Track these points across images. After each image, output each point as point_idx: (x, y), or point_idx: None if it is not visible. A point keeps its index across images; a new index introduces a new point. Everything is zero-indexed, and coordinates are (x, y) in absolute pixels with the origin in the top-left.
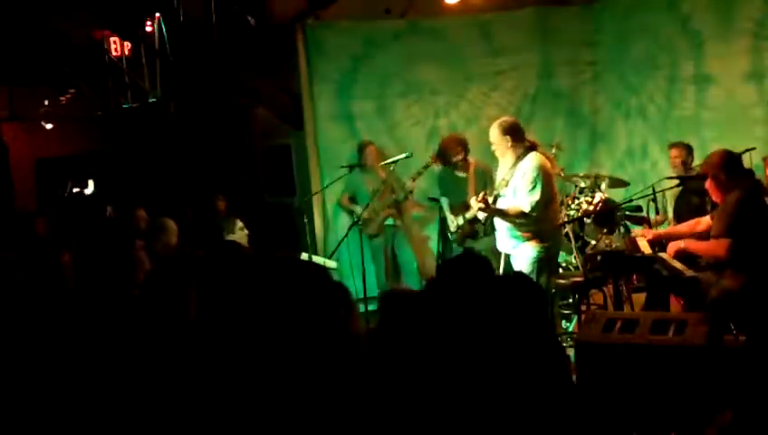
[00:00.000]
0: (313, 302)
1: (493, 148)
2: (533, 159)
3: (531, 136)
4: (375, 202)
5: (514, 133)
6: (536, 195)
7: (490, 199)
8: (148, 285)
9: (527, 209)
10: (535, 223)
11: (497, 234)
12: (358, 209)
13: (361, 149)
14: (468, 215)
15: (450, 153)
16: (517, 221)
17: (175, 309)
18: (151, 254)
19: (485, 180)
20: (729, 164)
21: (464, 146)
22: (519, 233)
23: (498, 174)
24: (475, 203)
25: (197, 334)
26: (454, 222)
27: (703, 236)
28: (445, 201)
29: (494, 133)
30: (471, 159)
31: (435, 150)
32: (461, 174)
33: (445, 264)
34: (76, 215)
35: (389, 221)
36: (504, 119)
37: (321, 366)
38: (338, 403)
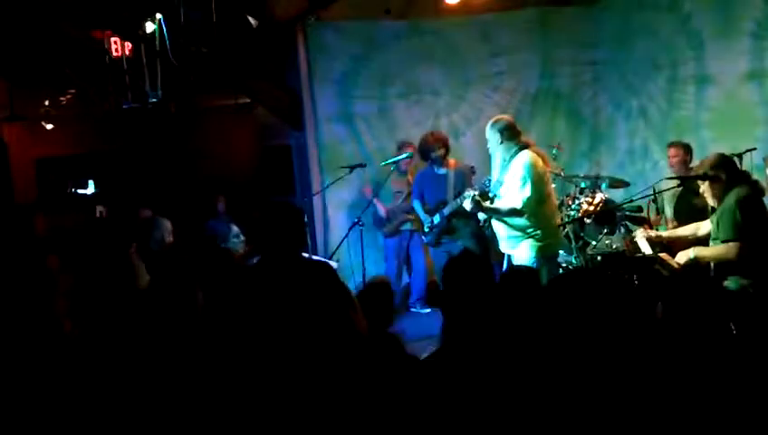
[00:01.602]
0: (319, 300)
1: (488, 145)
2: (523, 157)
3: (531, 136)
4: (396, 204)
5: (507, 132)
6: (526, 192)
7: (486, 204)
8: (155, 285)
9: (519, 206)
10: (531, 222)
11: (497, 235)
12: (380, 208)
13: (400, 148)
14: (446, 210)
15: (430, 148)
16: (510, 221)
17: (182, 308)
18: (146, 252)
19: (464, 181)
20: (725, 166)
21: (444, 143)
22: (516, 233)
23: (492, 174)
24: (468, 204)
25: (205, 333)
26: (428, 221)
27: (703, 241)
28: (417, 204)
29: (488, 131)
30: (451, 159)
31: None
32: (440, 171)
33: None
34: (74, 214)
35: (407, 226)
36: (498, 117)
37: (327, 364)
38: (343, 399)
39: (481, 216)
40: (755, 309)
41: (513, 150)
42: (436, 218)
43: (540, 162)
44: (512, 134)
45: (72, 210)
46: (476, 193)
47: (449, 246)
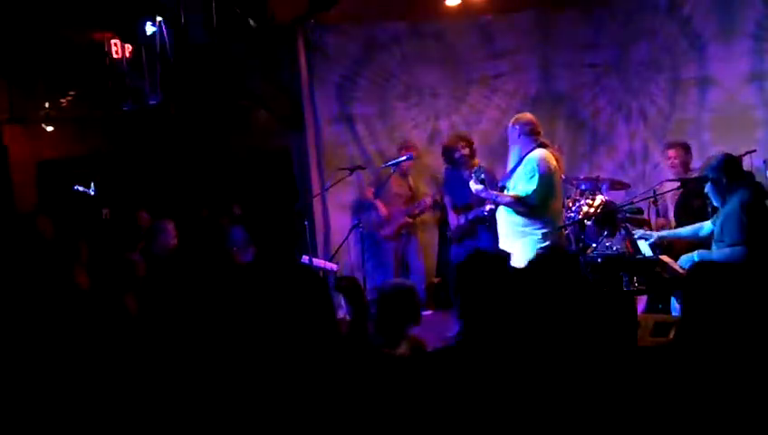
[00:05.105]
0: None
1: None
2: (538, 152)
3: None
4: (395, 207)
5: (526, 128)
6: (533, 184)
7: (495, 192)
8: (148, 287)
9: (522, 195)
10: (534, 219)
11: (499, 232)
12: (381, 210)
13: (400, 149)
14: (471, 215)
15: (453, 149)
16: (514, 215)
17: (174, 310)
18: (149, 256)
19: (488, 181)
20: (729, 167)
21: (467, 142)
22: (519, 229)
23: (508, 167)
24: (473, 185)
25: (198, 334)
26: (454, 219)
27: (704, 241)
28: (447, 199)
29: (510, 125)
30: (476, 160)
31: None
32: (466, 172)
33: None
34: (77, 216)
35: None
36: (521, 114)
37: (312, 365)
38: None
39: (487, 208)
40: (756, 311)
41: (530, 147)
42: (462, 219)
43: (553, 161)
44: (531, 131)
45: (75, 212)
46: (483, 172)
47: (470, 245)
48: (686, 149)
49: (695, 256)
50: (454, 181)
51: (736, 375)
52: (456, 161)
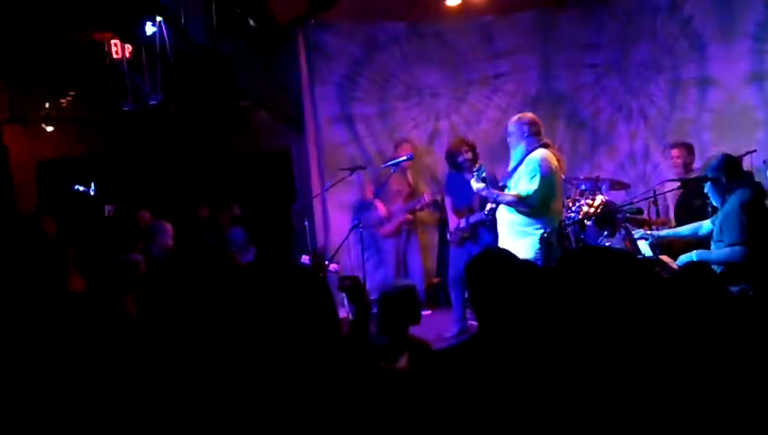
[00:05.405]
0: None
1: (508, 139)
2: (539, 152)
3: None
4: (395, 204)
5: (531, 127)
6: (534, 184)
7: (496, 191)
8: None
9: (523, 194)
10: (536, 219)
11: (499, 231)
12: (380, 209)
13: (397, 146)
14: (472, 219)
15: (456, 153)
16: (515, 215)
17: (173, 311)
18: (146, 256)
19: (489, 181)
20: (728, 167)
21: (470, 146)
22: (519, 228)
23: (509, 167)
24: (474, 184)
25: (197, 335)
26: (455, 222)
27: (703, 241)
28: (448, 201)
29: (513, 125)
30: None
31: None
32: (468, 176)
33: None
34: (78, 215)
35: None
36: (524, 113)
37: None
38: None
39: (486, 208)
40: (756, 312)
41: (532, 147)
42: (463, 222)
43: (554, 161)
44: (535, 131)
45: (75, 212)
46: (484, 171)
47: (471, 248)
48: (689, 149)
49: (693, 255)
50: (455, 184)
51: (725, 373)
52: (460, 166)
